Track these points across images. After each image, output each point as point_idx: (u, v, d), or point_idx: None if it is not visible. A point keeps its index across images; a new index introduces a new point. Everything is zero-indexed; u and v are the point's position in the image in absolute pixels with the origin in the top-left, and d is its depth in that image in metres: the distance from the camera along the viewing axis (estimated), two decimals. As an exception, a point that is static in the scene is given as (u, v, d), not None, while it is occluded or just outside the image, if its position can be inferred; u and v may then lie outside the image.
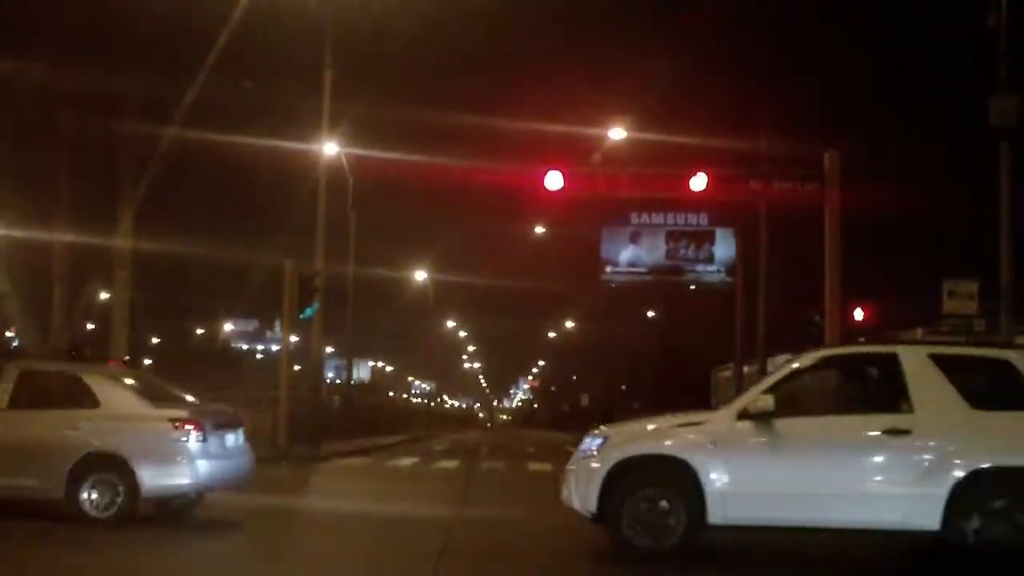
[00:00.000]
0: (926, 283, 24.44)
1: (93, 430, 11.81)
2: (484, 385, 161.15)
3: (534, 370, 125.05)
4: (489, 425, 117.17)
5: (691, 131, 28.46)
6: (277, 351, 36.64)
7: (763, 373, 31.03)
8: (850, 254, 24.44)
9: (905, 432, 9.65)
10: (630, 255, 31.88)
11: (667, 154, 27.24)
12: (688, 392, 47.31)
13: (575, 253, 40.26)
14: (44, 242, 28.36)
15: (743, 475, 9.83)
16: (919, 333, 23.56)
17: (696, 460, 9.86)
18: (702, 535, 10.19)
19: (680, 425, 10.37)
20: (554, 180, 23.15)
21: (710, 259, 31.92)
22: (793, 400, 10.13)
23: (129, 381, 12.78)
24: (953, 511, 9.39)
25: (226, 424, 12.62)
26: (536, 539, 12.03)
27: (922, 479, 9.52)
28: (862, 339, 12.30)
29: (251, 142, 28.82)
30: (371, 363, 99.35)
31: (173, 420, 11.82)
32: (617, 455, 10.16)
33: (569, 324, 78.75)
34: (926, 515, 9.45)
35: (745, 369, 33.42)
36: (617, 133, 30.62)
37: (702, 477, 9.81)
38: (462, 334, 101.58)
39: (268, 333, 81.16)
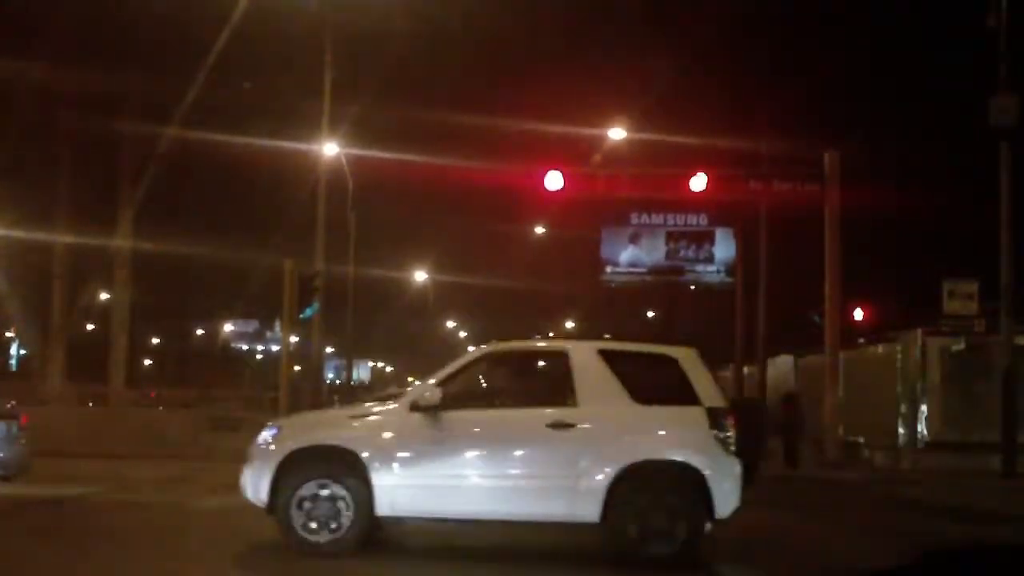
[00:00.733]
0: (926, 283, 24.44)
1: None
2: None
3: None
4: None
5: (691, 131, 28.47)
6: (277, 351, 36.64)
7: (763, 373, 31.10)
8: (850, 254, 24.45)
9: (569, 426, 9.74)
10: (630, 255, 31.86)
11: (667, 154, 27.24)
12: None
13: (575, 253, 40.26)
14: (44, 242, 28.37)
15: (411, 468, 9.75)
16: (919, 333, 23.58)
17: (366, 452, 9.73)
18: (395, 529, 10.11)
19: (355, 416, 10.32)
20: (554, 180, 23.16)
21: (710, 259, 31.90)
22: (464, 393, 10.22)
23: None
24: (611, 504, 9.55)
25: None
26: (535, 539, 12.01)
27: (584, 473, 9.62)
28: (539, 336, 12.66)
29: (251, 142, 28.84)
30: (371, 363, 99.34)
31: None
32: (290, 445, 9.96)
33: (569, 324, 78.67)
34: (588, 508, 9.58)
35: (745, 369, 33.40)
36: (617, 133, 30.62)
37: (371, 469, 9.68)
38: (462, 334, 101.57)
39: (268, 333, 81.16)
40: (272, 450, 10.00)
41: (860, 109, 35.32)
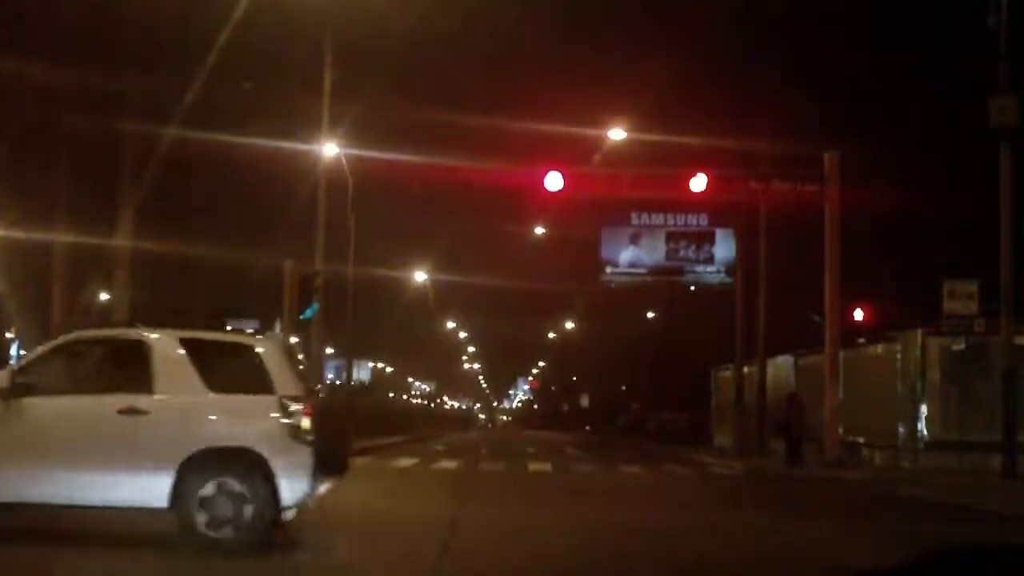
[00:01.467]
0: (926, 283, 24.45)
1: None
2: (484, 386, 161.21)
3: (534, 370, 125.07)
4: (490, 426, 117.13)
5: (691, 131, 28.48)
6: (277, 351, 36.53)
7: (763, 373, 31.10)
8: (850, 254, 24.46)
9: (140, 413, 9.89)
10: (630, 256, 31.88)
11: (667, 154, 27.24)
12: (688, 392, 47.38)
13: (575, 253, 40.27)
14: (44, 242, 28.38)
15: None
16: (919, 333, 23.59)
17: None
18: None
19: None
20: (554, 180, 23.18)
21: (710, 259, 31.93)
22: (44, 380, 10.24)
23: None
24: (178, 490, 9.70)
25: None
26: (537, 539, 12.02)
27: (153, 459, 9.79)
28: (112, 322, 13.02)
29: (251, 142, 28.82)
30: (371, 364, 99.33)
31: None
32: None
33: (569, 324, 78.77)
34: (157, 494, 9.73)
35: (745, 369, 33.41)
36: (617, 133, 30.61)
37: None
38: (462, 335, 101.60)
39: (268, 333, 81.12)
40: None
41: (860, 109, 35.34)
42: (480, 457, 31.01)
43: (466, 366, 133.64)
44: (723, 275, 31.96)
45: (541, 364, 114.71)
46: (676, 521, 14.05)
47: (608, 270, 32.02)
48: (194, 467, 9.74)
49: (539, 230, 46.32)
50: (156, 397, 10.00)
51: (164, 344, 10.22)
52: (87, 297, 34.89)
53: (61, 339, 10.84)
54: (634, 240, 31.88)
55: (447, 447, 39.07)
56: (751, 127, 29.32)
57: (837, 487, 20.21)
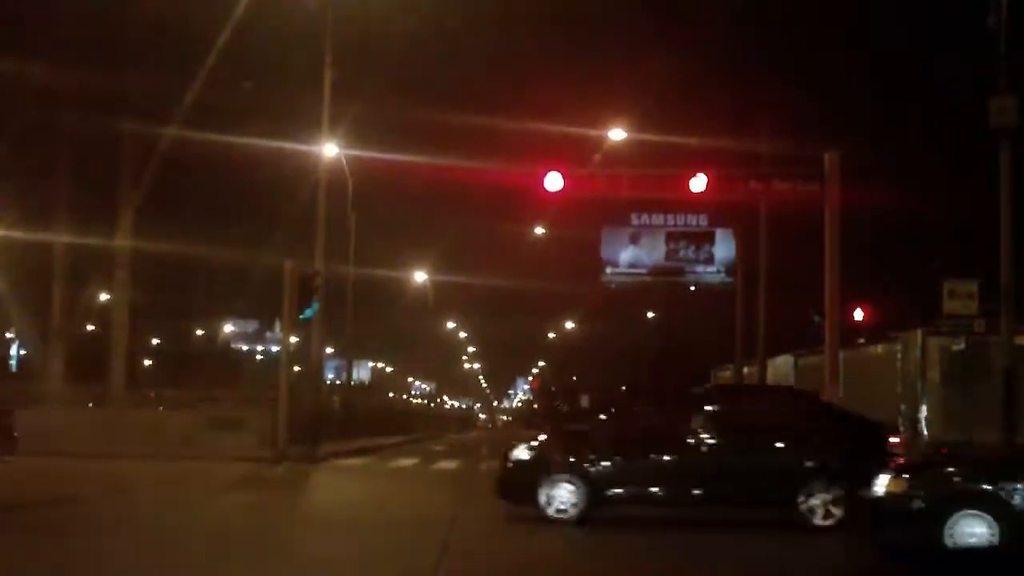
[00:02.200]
0: (926, 283, 24.45)
1: None
2: (484, 386, 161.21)
3: (534, 370, 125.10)
4: (490, 426, 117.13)
5: (691, 131, 28.49)
6: (277, 351, 36.65)
7: (763, 373, 31.08)
8: (850, 254, 24.45)
9: None
10: (630, 256, 31.85)
11: (667, 155, 27.24)
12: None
13: (575, 254, 40.25)
14: (44, 242, 28.38)
15: None
16: (919, 333, 23.58)
17: None
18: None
19: None
20: (554, 181, 23.16)
21: (710, 260, 31.89)
22: None
23: None
24: None
25: None
26: (537, 538, 12.03)
27: None
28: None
29: (251, 142, 28.83)
30: (371, 364, 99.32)
31: None
32: None
33: (569, 324, 78.79)
34: None
35: (745, 369, 33.41)
36: (617, 134, 30.59)
37: None
38: (462, 335, 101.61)
39: (268, 333, 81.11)
40: None
41: (860, 109, 35.36)
42: (480, 457, 31.02)
43: (466, 366, 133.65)
44: (723, 275, 31.91)
45: (541, 364, 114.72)
46: (675, 519, 14.06)
47: (608, 270, 31.98)
48: None
49: (539, 230, 46.31)
50: None
51: None
52: (87, 297, 34.89)
53: None
54: (634, 240, 31.85)
55: (447, 447, 39.10)
56: (751, 127, 29.34)
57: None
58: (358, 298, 41.75)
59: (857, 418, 14.62)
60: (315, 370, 32.40)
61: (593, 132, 30.11)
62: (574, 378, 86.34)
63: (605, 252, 31.88)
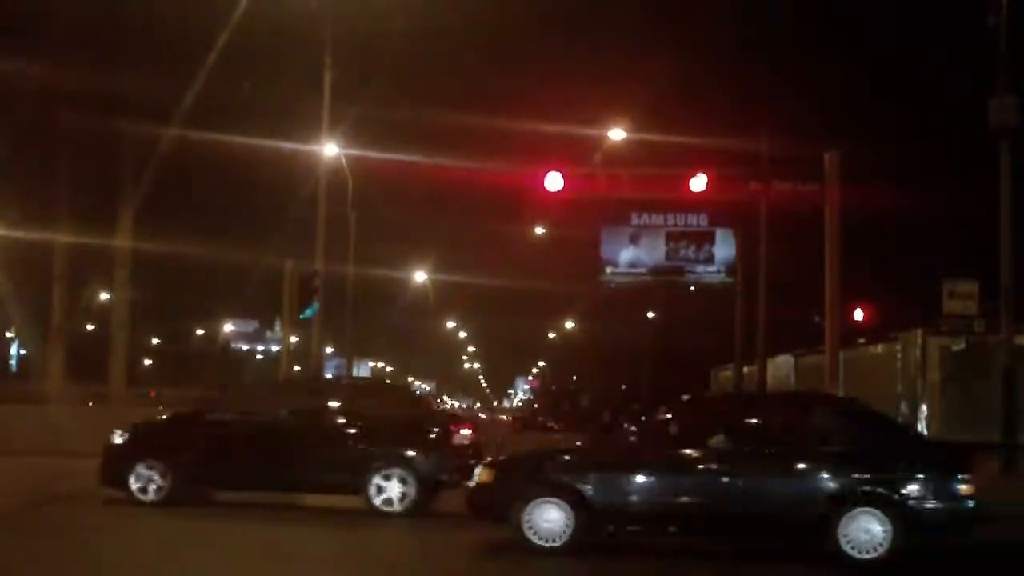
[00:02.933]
0: (926, 283, 24.44)
1: None
2: (484, 385, 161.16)
3: (534, 370, 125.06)
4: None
5: (691, 131, 28.48)
6: (277, 351, 36.66)
7: (763, 373, 31.06)
8: (850, 254, 24.43)
9: None
10: (630, 256, 31.86)
11: (667, 155, 27.21)
12: (688, 392, 47.30)
13: (575, 253, 40.23)
14: (44, 242, 28.37)
15: None
16: (919, 333, 23.58)
17: None
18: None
19: None
20: (554, 181, 23.14)
21: (710, 260, 31.90)
22: None
23: None
24: None
25: None
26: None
27: None
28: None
29: (251, 142, 28.83)
30: (371, 364, 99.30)
31: None
32: None
33: (569, 324, 78.76)
34: None
35: (745, 369, 33.39)
36: (617, 134, 30.58)
37: None
38: (462, 335, 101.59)
39: (268, 333, 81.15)
40: None
41: (860, 109, 35.34)
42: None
43: (466, 366, 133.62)
44: (723, 275, 31.92)
45: (541, 364, 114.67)
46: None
47: (608, 270, 31.99)
48: None
49: (539, 230, 46.27)
50: None
51: None
52: (87, 297, 34.89)
53: None
54: (634, 240, 31.85)
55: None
56: (751, 127, 29.31)
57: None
58: (358, 298, 41.74)
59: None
60: (315, 370, 32.40)
61: (593, 132, 30.09)
62: (574, 378, 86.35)
63: (605, 252, 31.88)
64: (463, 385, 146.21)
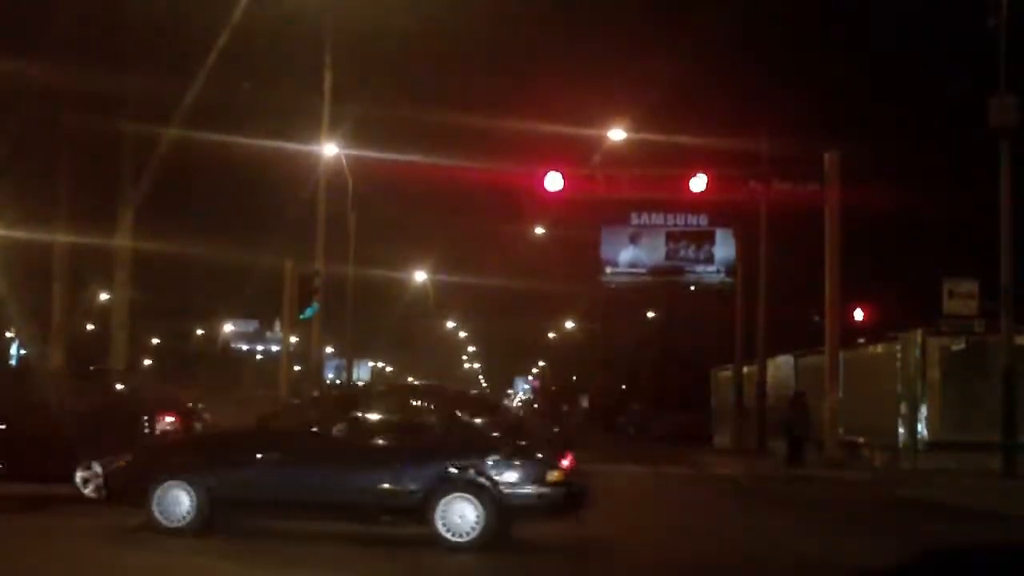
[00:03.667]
0: (926, 283, 24.45)
1: None
2: (484, 385, 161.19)
3: (534, 370, 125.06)
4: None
5: (691, 131, 28.48)
6: (277, 351, 36.67)
7: (763, 373, 31.08)
8: (850, 254, 24.46)
9: None
10: (630, 256, 31.88)
11: (667, 155, 27.23)
12: (688, 392, 47.35)
13: (575, 253, 40.26)
14: (44, 242, 28.37)
15: None
16: (919, 333, 23.58)
17: None
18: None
19: None
20: (554, 181, 23.18)
21: (710, 260, 31.92)
22: None
23: None
24: None
25: None
26: (537, 538, 12.01)
27: None
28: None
29: (251, 142, 28.82)
30: (371, 364, 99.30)
31: None
32: None
33: (569, 324, 78.75)
34: None
35: (745, 369, 33.39)
36: (617, 134, 30.59)
37: None
38: (462, 335, 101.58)
39: (268, 333, 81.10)
40: None
41: (860, 109, 35.35)
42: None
43: (466, 366, 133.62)
44: (723, 275, 31.95)
45: (541, 364, 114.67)
46: (675, 520, 14.08)
47: (608, 270, 32.02)
48: None
49: (539, 230, 46.28)
50: None
51: None
52: (87, 297, 34.90)
53: None
54: (634, 240, 31.88)
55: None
56: (751, 127, 29.33)
57: (836, 487, 20.20)
58: (358, 298, 41.74)
59: None
60: (315, 370, 32.42)
61: (593, 132, 30.10)
62: (574, 378, 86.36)
63: (605, 252, 31.92)
64: (464, 385, 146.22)
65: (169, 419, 14.48)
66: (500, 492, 10.45)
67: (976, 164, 24.88)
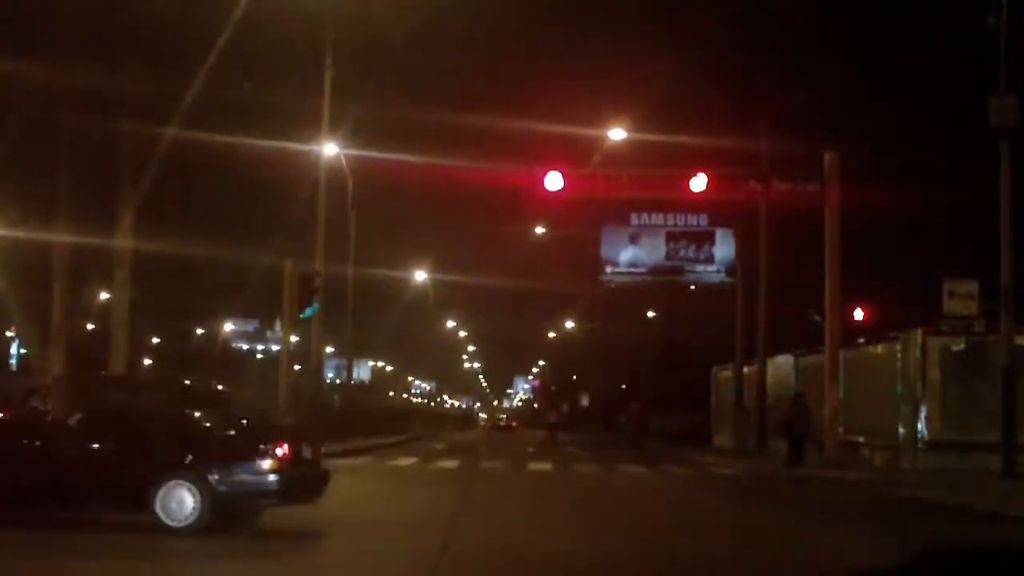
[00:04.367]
0: (926, 283, 24.45)
1: None
2: (484, 385, 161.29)
3: (534, 370, 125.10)
4: (501, 426, 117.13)
5: (691, 131, 28.46)
6: (277, 351, 36.68)
7: (763, 373, 31.08)
8: (850, 254, 24.45)
9: None
10: (630, 255, 31.89)
11: (667, 154, 27.22)
12: (688, 392, 47.38)
13: (575, 253, 40.29)
14: (44, 242, 28.37)
15: None
16: (919, 333, 23.59)
17: None
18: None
19: None
20: (554, 180, 23.18)
21: (710, 259, 31.93)
22: None
23: None
24: None
25: None
26: (537, 536, 12.02)
27: None
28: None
29: (251, 142, 28.83)
30: (371, 363, 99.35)
31: None
32: None
33: (569, 324, 78.80)
34: None
35: (745, 369, 33.40)
36: (617, 133, 30.59)
37: None
38: (462, 334, 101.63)
39: (268, 333, 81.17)
40: None
41: (860, 109, 35.34)
42: (480, 456, 31.02)
43: (466, 366, 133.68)
44: (723, 275, 31.96)
45: (541, 363, 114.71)
46: (676, 520, 14.08)
47: (608, 270, 32.03)
48: None
49: (539, 230, 46.33)
50: None
51: None
52: (87, 297, 34.91)
53: None
54: (634, 240, 31.89)
55: (447, 446, 39.10)
56: (751, 127, 29.32)
57: (836, 487, 20.21)
58: (358, 298, 41.76)
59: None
60: (315, 369, 32.41)
61: (593, 132, 30.10)
62: (574, 378, 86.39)
63: (605, 252, 31.93)
64: (464, 385, 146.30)
65: None
66: (216, 480, 10.98)
67: (976, 164, 24.88)
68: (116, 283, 29.77)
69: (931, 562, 3.35)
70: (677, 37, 38.10)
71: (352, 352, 48.62)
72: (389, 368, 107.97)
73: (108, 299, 34.96)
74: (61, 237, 28.07)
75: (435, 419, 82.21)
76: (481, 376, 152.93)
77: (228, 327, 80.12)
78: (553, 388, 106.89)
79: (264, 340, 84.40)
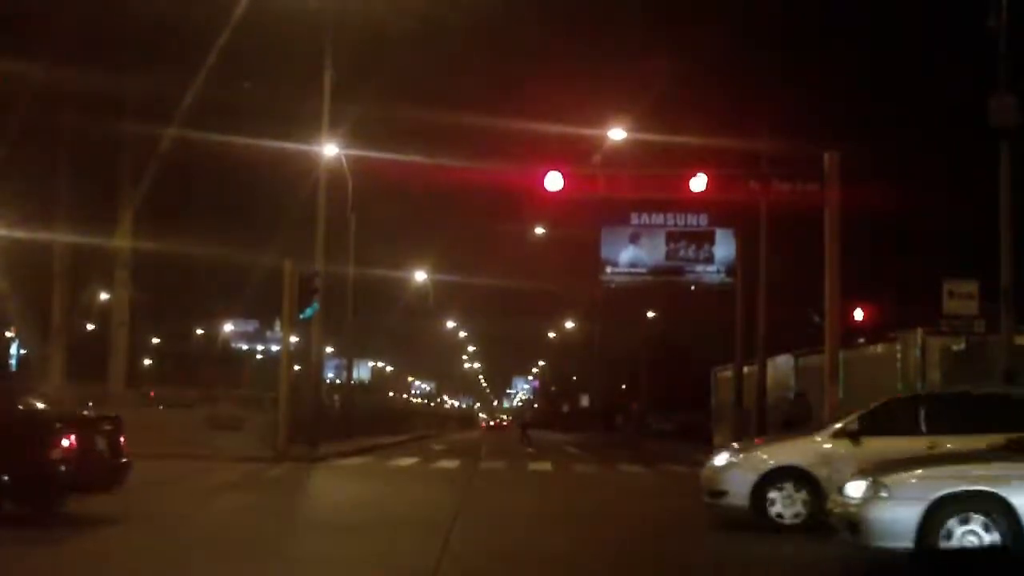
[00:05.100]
0: (926, 283, 24.44)
1: None
2: (484, 385, 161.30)
3: (534, 370, 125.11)
4: (492, 425, 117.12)
5: (691, 131, 28.44)
6: (277, 351, 36.67)
7: (763, 373, 31.07)
8: (850, 254, 24.43)
9: None
10: (630, 256, 31.86)
11: (667, 154, 27.23)
12: (688, 392, 47.38)
13: (575, 253, 40.27)
14: (44, 242, 28.38)
15: None
16: (919, 333, 23.58)
17: None
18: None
19: None
20: (554, 181, 23.14)
21: (710, 259, 31.89)
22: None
23: None
24: None
25: None
26: (537, 536, 12.02)
27: None
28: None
29: (251, 143, 28.86)
30: (371, 363, 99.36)
31: None
32: None
33: (569, 324, 78.82)
34: None
35: (745, 369, 33.38)
36: (617, 133, 30.58)
37: None
38: (462, 334, 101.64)
39: (268, 333, 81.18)
40: None
41: (860, 109, 35.34)
42: (480, 456, 31.03)
43: (466, 366, 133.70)
44: (723, 275, 31.91)
45: (541, 364, 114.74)
46: (676, 520, 14.09)
47: (608, 270, 31.99)
48: None
49: (539, 230, 46.34)
50: None
51: None
52: (87, 297, 34.91)
53: None
54: (634, 240, 31.86)
55: (447, 446, 39.10)
56: (751, 127, 29.30)
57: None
58: (358, 298, 41.77)
59: None
60: (315, 370, 32.42)
61: (593, 132, 30.11)
62: (574, 378, 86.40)
63: (605, 252, 31.88)
64: (464, 385, 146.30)
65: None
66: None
67: (976, 164, 24.87)
68: (116, 283, 29.81)
69: (931, 560, 3.35)
70: (677, 37, 38.09)
71: (352, 352, 48.63)
72: (389, 368, 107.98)
73: (108, 299, 34.98)
74: (61, 237, 28.10)
75: (435, 419, 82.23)
76: (481, 376, 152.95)
77: (228, 327, 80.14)
78: (553, 388, 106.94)
79: (264, 340, 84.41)
